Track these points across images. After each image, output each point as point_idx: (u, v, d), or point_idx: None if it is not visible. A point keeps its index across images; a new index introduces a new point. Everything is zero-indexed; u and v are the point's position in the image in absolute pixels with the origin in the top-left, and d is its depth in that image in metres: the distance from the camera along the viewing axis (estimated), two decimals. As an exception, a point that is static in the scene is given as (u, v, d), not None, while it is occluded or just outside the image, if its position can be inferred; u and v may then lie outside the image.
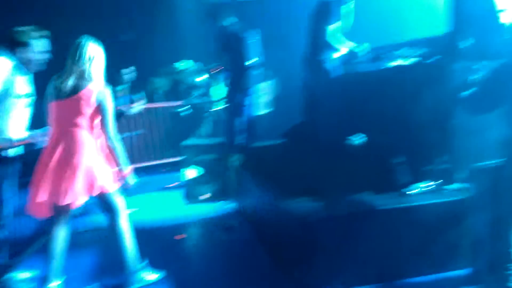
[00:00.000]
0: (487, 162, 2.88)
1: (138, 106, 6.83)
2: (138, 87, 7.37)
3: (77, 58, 2.96)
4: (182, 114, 7.81)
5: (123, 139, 6.80)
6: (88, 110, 2.93)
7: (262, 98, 8.89)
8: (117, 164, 3.07)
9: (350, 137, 4.31)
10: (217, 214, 4.78)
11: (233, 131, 7.93)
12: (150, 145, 7.44)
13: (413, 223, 2.99)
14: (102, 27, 8.38)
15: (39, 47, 3.13)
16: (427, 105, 3.67)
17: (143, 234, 3.38)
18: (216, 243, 4.07)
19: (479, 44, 3.63)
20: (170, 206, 5.31)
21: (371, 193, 3.29)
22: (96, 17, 8.23)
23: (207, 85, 8.36)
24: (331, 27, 4.80)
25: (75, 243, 3.17)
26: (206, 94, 8.28)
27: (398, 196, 3.24)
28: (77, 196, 2.86)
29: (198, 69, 8.29)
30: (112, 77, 6.83)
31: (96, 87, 2.96)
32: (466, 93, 3.09)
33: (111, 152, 3.05)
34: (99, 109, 2.96)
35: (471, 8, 3.72)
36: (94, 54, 3.00)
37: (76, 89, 2.92)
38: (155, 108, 7.63)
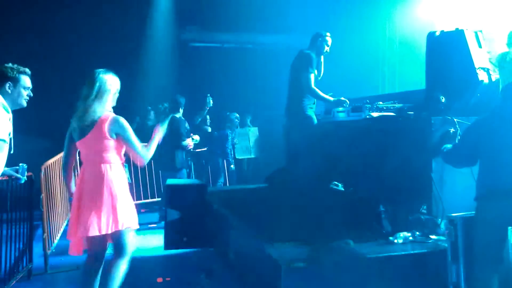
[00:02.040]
0: (464, 213, 2.98)
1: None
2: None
3: (86, 93, 2.98)
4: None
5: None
6: (108, 143, 2.96)
7: (244, 143, 9.04)
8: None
9: (335, 183, 4.39)
10: (197, 257, 4.70)
11: (215, 174, 8.03)
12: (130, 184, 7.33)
13: (397, 271, 3.01)
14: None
15: (26, 82, 3.15)
16: (406, 155, 3.80)
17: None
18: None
19: (456, 100, 3.82)
20: (150, 248, 5.20)
21: (355, 241, 3.32)
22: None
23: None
24: (311, 76, 4.97)
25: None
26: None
27: (383, 244, 3.27)
28: (100, 230, 2.85)
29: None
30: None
31: (109, 119, 2.96)
32: (443, 146, 3.25)
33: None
34: (120, 139, 2.98)
35: (449, 65, 3.94)
36: (104, 86, 3.00)
37: (91, 125, 2.94)
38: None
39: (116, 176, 2.98)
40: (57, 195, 5.22)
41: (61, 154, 5.77)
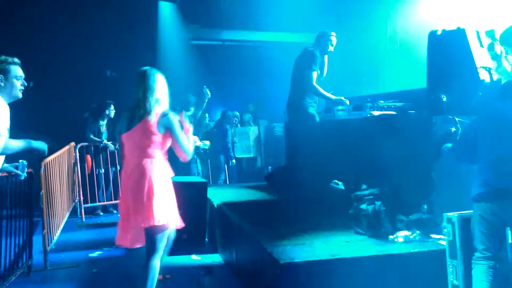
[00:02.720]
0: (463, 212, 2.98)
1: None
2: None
3: (141, 88, 3.03)
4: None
5: (99, 174, 6.80)
6: (154, 138, 2.97)
7: (245, 141, 9.03)
8: None
9: (335, 181, 4.38)
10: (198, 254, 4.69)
11: (216, 171, 8.02)
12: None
13: (397, 271, 3.01)
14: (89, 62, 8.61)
15: (17, 72, 3.14)
16: (407, 154, 3.80)
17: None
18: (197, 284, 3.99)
19: (457, 99, 3.82)
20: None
21: (355, 240, 3.32)
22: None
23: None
24: (314, 74, 4.97)
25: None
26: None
27: (384, 243, 3.26)
28: (138, 224, 2.92)
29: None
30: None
31: (160, 114, 2.99)
32: (444, 145, 3.24)
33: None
34: (168, 134, 3.00)
35: (450, 64, 3.94)
36: (155, 83, 3.06)
37: (141, 118, 2.98)
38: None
39: (158, 171, 2.98)
40: (57, 192, 5.23)
41: (61, 151, 5.84)
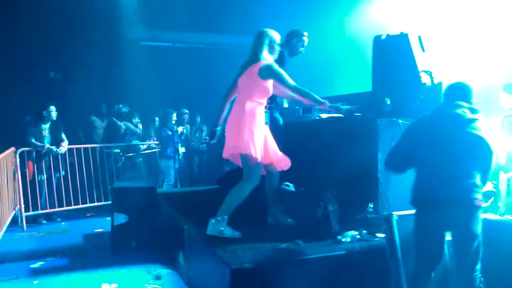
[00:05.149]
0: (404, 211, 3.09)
1: (65, 146, 6.58)
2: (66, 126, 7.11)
3: (253, 43, 3.65)
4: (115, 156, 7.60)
5: (41, 181, 6.49)
6: (257, 83, 3.52)
7: (198, 143, 8.94)
8: (314, 101, 3.69)
9: (286, 183, 4.40)
10: (146, 262, 4.56)
11: (165, 175, 7.85)
12: (75, 187, 7.03)
13: (346, 270, 3.06)
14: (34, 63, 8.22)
15: None
16: (353, 155, 3.89)
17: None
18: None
19: (401, 102, 3.95)
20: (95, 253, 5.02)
21: (304, 241, 3.34)
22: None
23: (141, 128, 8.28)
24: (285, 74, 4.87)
25: None
26: (139, 137, 8.16)
27: (332, 243, 3.31)
28: (228, 152, 3.60)
29: (132, 112, 8.19)
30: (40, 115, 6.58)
31: (263, 64, 3.52)
32: (388, 146, 3.34)
33: (303, 97, 3.70)
34: (275, 81, 3.59)
35: (394, 68, 4.07)
36: (264, 40, 3.62)
37: (248, 66, 3.57)
38: (85, 149, 7.29)
39: (254, 114, 3.50)
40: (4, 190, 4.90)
41: (0, 157, 5.53)
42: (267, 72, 3.55)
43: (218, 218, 3.50)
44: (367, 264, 3.12)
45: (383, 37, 4.22)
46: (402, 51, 4.03)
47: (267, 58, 3.63)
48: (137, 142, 8.03)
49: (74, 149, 7.07)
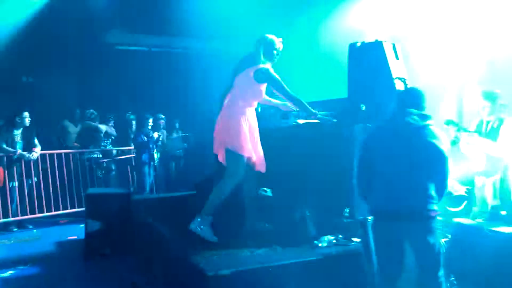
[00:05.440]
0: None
1: (38, 152, 6.42)
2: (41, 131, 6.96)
3: (253, 46, 3.73)
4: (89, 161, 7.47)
5: (12, 188, 6.32)
6: (251, 86, 3.64)
7: (172, 149, 8.85)
8: (306, 111, 3.83)
9: (264, 188, 4.40)
10: (120, 268, 4.48)
11: (140, 181, 7.75)
12: (48, 194, 6.87)
13: (322, 274, 3.08)
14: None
15: None
16: (330, 161, 3.92)
17: None
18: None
19: (375, 108, 4.01)
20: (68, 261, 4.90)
21: (282, 246, 3.35)
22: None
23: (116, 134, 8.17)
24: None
25: None
26: (114, 142, 8.04)
27: (309, 248, 3.32)
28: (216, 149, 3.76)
29: (107, 116, 8.08)
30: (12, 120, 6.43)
31: (260, 68, 3.62)
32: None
33: (296, 106, 3.84)
34: (268, 85, 3.70)
35: (369, 75, 4.13)
36: (263, 44, 3.71)
37: (246, 68, 3.67)
38: (58, 154, 7.14)
39: (246, 114, 3.66)
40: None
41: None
42: (263, 76, 3.69)
43: (204, 216, 3.59)
44: (344, 268, 3.15)
45: (358, 44, 4.29)
46: (377, 59, 4.10)
47: (265, 62, 3.74)
48: (110, 147, 7.90)
49: (47, 155, 6.91)
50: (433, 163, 2.75)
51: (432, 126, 2.83)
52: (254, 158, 3.79)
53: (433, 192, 2.74)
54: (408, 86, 4.01)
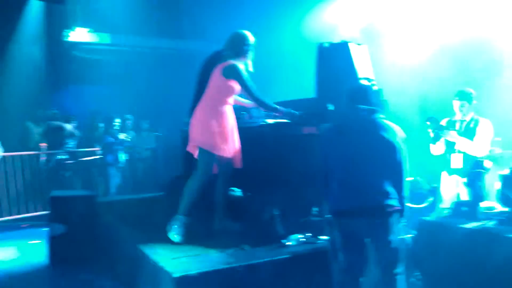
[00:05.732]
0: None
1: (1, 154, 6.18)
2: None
3: (225, 43, 3.75)
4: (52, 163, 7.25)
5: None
6: (221, 83, 3.64)
7: (141, 150, 8.70)
8: (270, 110, 3.86)
9: (233, 188, 4.37)
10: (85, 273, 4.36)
11: (107, 183, 7.58)
12: (9, 197, 6.63)
13: (290, 273, 3.08)
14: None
15: None
16: (298, 160, 3.94)
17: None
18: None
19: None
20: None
21: (250, 245, 3.33)
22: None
23: (80, 135, 7.97)
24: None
25: None
26: (79, 144, 7.84)
27: (277, 247, 3.32)
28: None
29: (69, 117, 7.88)
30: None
31: (228, 64, 3.62)
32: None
33: (259, 105, 3.84)
34: (236, 83, 3.64)
35: (336, 75, 4.17)
36: (234, 40, 3.73)
37: (214, 65, 3.70)
38: (19, 156, 6.90)
39: (221, 111, 3.66)
40: None
41: None
42: (230, 72, 3.68)
43: (177, 216, 3.64)
44: (311, 266, 3.16)
45: (326, 44, 4.33)
46: (343, 59, 4.15)
47: (235, 58, 3.72)
48: (74, 148, 7.71)
49: (10, 157, 6.68)
50: (386, 157, 2.70)
51: (381, 119, 2.80)
52: (229, 155, 3.78)
53: (389, 187, 2.69)
54: (374, 87, 4.08)
